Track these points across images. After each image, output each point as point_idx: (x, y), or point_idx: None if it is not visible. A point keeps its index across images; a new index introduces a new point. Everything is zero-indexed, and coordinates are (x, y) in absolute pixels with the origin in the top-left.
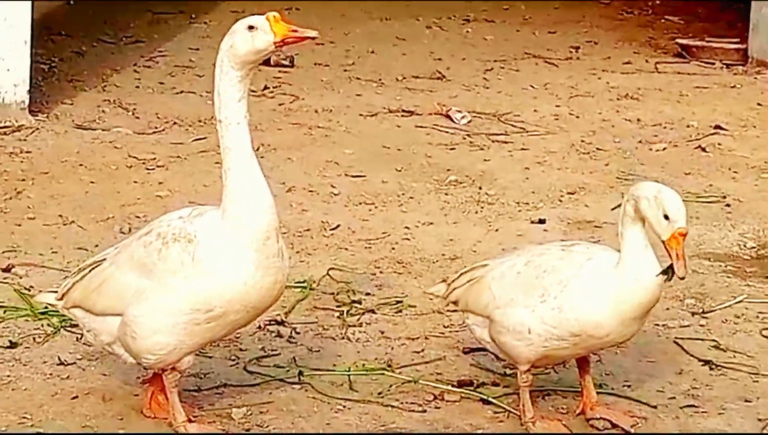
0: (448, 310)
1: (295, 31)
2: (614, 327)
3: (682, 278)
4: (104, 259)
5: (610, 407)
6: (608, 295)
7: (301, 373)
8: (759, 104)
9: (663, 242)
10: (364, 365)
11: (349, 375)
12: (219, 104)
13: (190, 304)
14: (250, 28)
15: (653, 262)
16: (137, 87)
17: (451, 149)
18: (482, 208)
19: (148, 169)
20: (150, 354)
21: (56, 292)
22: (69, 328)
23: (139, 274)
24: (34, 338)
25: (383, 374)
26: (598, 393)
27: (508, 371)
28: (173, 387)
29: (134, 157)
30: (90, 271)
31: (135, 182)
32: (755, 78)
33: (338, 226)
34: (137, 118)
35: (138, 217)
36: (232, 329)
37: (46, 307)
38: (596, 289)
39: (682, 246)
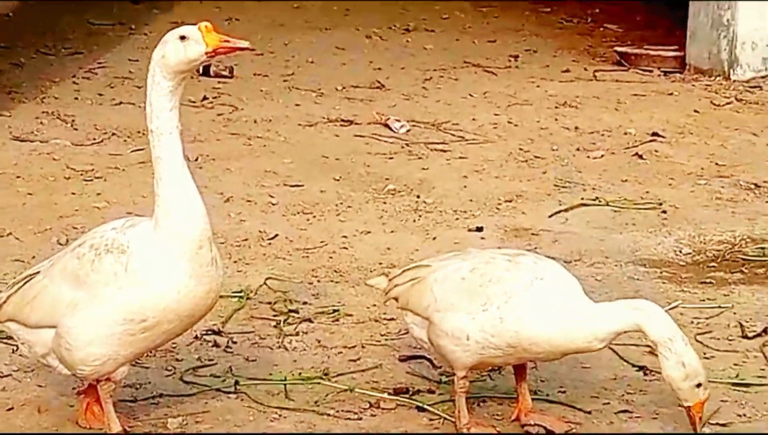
0: (384, 318)
1: (227, 41)
2: (550, 349)
3: None
4: (38, 272)
5: (545, 413)
6: (558, 320)
7: (237, 383)
8: (696, 111)
9: (687, 408)
10: (300, 374)
11: (285, 384)
12: (150, 114)
13: (124, 315)
14: (182, 38)
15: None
16: (76, 98)
17: (390, 158)
18: (420, 216)
19: (86, 180)
20: (84, 365)
21: None
22: (4, 340)
23: (73, 286)
24: None
25: (319, 383)
26: (533, 399)
27: (444, 379)
28: (108, 397)
29: (72, 169)
30: (23, 284)
31: (73, 194)
32: (693, 85)
33: (276, 235)
34: (75, 129)
35: (76, 228)
36: (166, 339)
37: None
38: (545, 311)
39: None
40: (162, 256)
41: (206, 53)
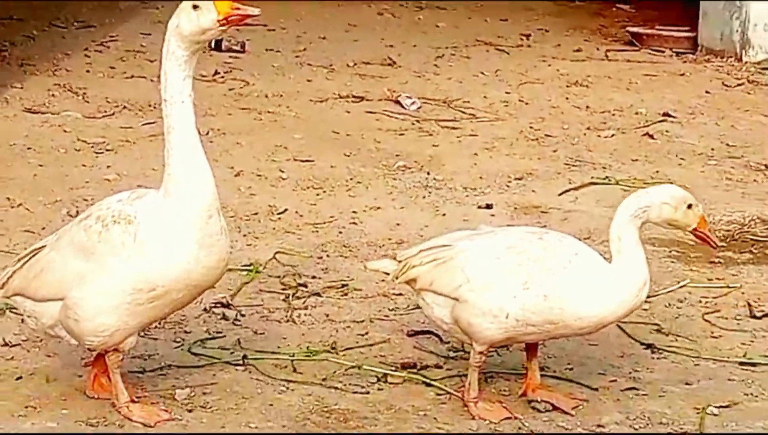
0: (393, 293)
1: (238, 9)
2: (594, 323)
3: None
4: (43, 247)
5: (552, 390)
6: (602, 292)
7: (245, 357)
8: (707, 92)
9: (694, 230)
10: (308, 348)
11: (292, 359)
12: (164, 83)
13: (133, 284)
14: (195, 7)
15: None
16: (88, 71)
17: (401, 135)
18: (430, 193)
19: (96, 152)
20: (93, 336)
21: None
22: (14, 310)
23: (80, 258)
24: None
25: (326, 358)
26: (541, 376)
27: (452, 354)
28: (116, 368)
29: (83, 141)
30: (29, 258)
31: (83, 166)
32: (704, 66)
33: (285, 210)
34: (87, 102)
35: (86, 200)
36: (174, 308)
37: None
38: (589, 286)
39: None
40: (171, 226)
41: (218, 21)
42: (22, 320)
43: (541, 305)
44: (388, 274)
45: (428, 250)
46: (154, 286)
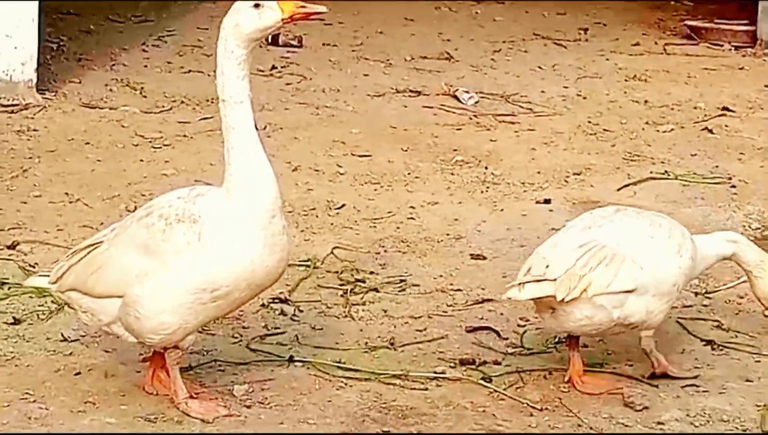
0: (451, 289)
1: (303, 6)
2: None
3: None
4: (101, 242)
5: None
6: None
7: (291, 359)
8: (766, 86)
9: None
10: (366, 344)
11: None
12: (222, 83)
13: (197, 284)
14: (256, 5)
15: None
16: (145, 66)
17: (458, 129)
18: (488, 188)
19: (154, 147)
20: (154, 334)
21: (48, 275)
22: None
23: (143, 256)
24: (37, 315)
25: (385, 353)
26: (600, 372)
27: (510, 350)
28: (175, 364)
29: (141, 136)
30: (87, 254)
31: (141, 161)
32: (764, 60)
33: (343, 205)
34: (144, 97)
35: (144, 195)
36: (236, 307)
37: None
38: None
39: None
40: (236, 226)
41: (282, 20)
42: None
43: (690, 266)
44: (549, 297)
45: (582, 257)
46: (218, 286)
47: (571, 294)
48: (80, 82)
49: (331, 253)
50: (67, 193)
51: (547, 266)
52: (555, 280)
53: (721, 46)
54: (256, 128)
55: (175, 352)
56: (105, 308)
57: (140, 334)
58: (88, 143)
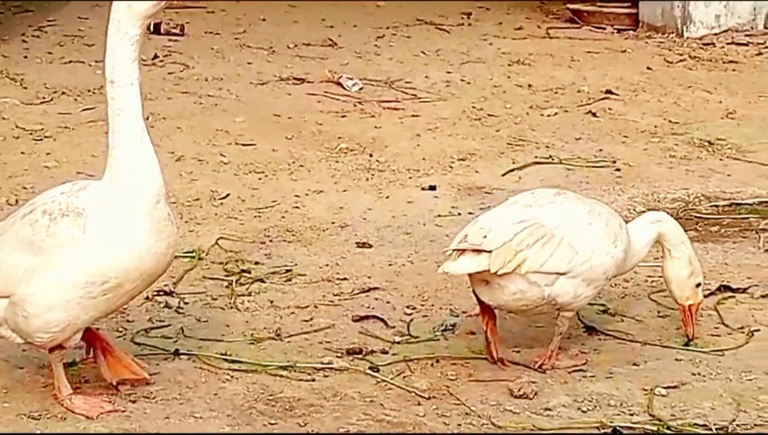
0: (337, 278)
1: None
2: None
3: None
4: None
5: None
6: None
7: (176, 352)
8: (649, 68)
9: (687, 307)
10: (252, 335)
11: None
12: (113, 65)
13: (85, 278)
14: None
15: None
16: (25, 57)
17: (342, 117)
18: (373, 175)
19: (35, 139)
20: (43, 332)
21: None
22: None
23: (28, 253)
24: None
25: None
26: (480, 361)
27: (397, 339)
28: (59, 361)
29: (22, 128)
30: None
31: (22, 153)
32: (646, 42)
33: (228, 195)
34: (25, 88)
35: (26, 188)
36: (126, 301)
37: None
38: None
39: None
40: (120, 215)
41: None
42: None
43: (622, 257)
44: (483, 271)
45: (520, 233)
46: (107, 278)
47: (505, 268)
48: None
49: (216, 243)
50: None
51: (485, 237)
52: (491, 252)
53: (604, 29)
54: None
55: (60, 352)
56: None
57: (29, 334)
58: None
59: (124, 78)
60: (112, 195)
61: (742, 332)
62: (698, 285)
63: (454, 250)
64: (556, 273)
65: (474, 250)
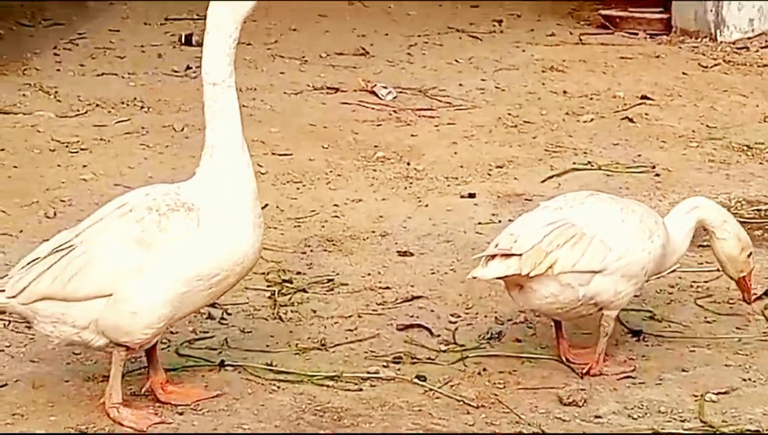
0: (380, 287)
1: None
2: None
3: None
4: (70, 247)
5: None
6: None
7: (222, 363)
8: (684, 73)
9: (740, 279)
10: (297, 345)
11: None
12: (215, 67)
13: (198, 271)
14: None
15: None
16: (58, 70)
17: (378, 125)
18: (411, 183)
19: (71, 152)
20: (149, 328)
21: None
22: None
23: (135, 249)
24: None
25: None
26: (532, 364)
27: (443, 347)
28: (121, 365)
29: (57, 141)
30: (58, 260)
31: (59, 166)
32: (679, 47)
33: (266, 205)
34: (59, 101)
35: (63, 201)
36: (219, 296)
37: None
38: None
39: None
40: (229, 209)
41: None
42: (5, 325)
43: (660, 253)
44: (515, 275)
45: (549, 234)
46: (219, 271)
47: (536, 269)
48: None
49: None
50: None
51: (515, 242)
52: (521, 255)
53: (636, 34)
54: (173, 129)
55: (125, 353)
56: (84, 312)
57: (130, 332)
58: (3, 150)
59: (227, 79)
60: (217, 191)
61: None
62: (749, 255)
63: (485, 256)
64: (590, 271)
65: (504, 255)
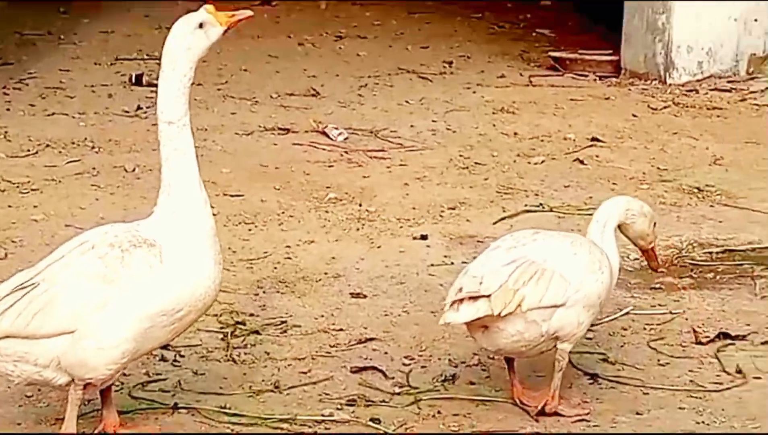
0: (333, 329)
1: (234, 15)
2: None
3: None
4: (31, 285)
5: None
6: None
7: (176, 406)
8: (634, 115)
9: (649, 249)
10: (250, 387)
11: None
12: (171, 106)
13: (162, 306)
14: (201, 25)
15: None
16: (8, 109)
17: (330, 166)
18: (363, 225)
19: (22, 192)
20: (113, 363)
21: None
22: None
23: (98, 285)
24: None
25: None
26: (485, 405)
27: (397, 390)
28: (77, 404)
29: (8, 181)
30: (20, 298)
31: (9, 206)
32: (629, 89)
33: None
34: (9, 141)
35: (14, 241)
36: (179, 333)
37: None
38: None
39: None
40: (190, 246)
41: (223, 33)
42: None
43: (608, 283)
44: (484, 317)
45: (513, 273)
46: (182, 307)
47: (507, 308)
48: None
49: None
50: None
51: (480, 283)
52: (489, 296)
53: (586, 76)
54: (124, 170)
55: (84, 391)
56: (47, 350)
57: (95, 368)
58: None
59: (182, 118)
60: (177, 228)
61: (744, 379)
62: (655, 224)
63: (453, 302)
64: (553, 306)
65: (471, 298)
